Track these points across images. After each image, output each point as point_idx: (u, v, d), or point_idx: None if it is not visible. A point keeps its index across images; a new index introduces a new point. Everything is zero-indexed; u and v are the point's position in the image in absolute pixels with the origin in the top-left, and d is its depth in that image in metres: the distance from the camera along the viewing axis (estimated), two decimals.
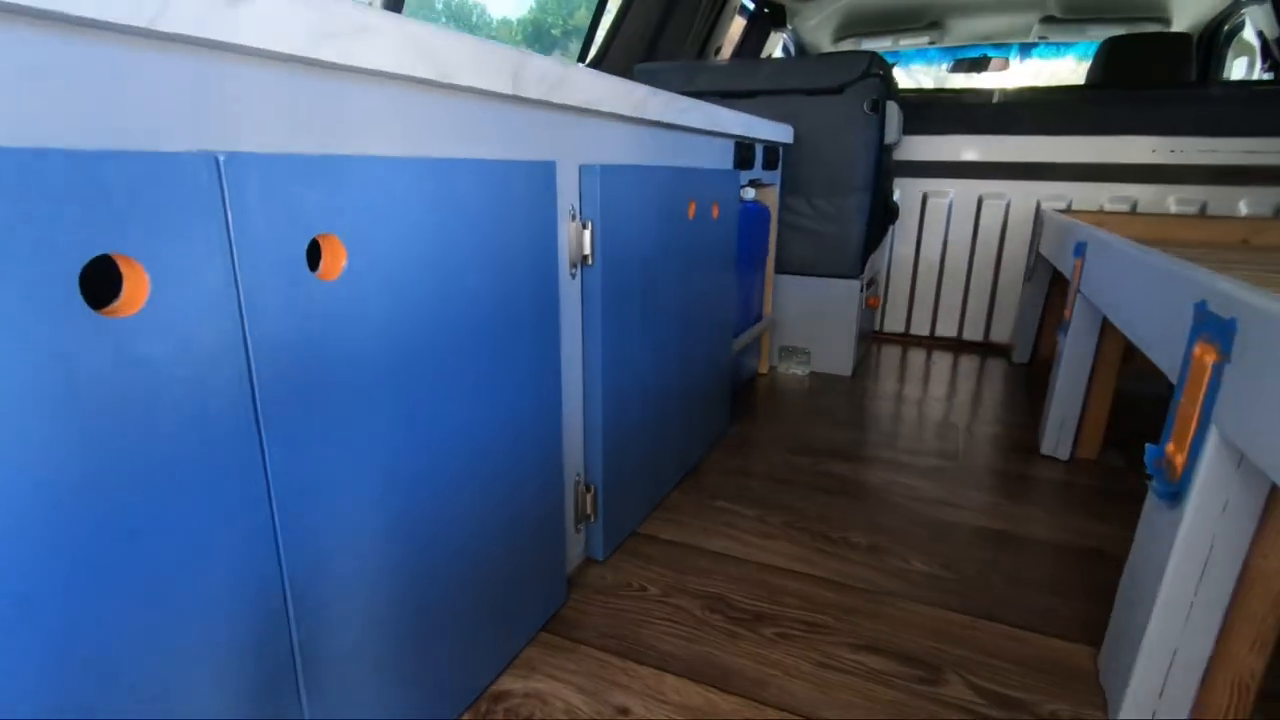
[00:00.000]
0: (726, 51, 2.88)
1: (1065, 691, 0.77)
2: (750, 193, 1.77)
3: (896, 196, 2.29)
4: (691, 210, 1.16)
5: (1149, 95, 2.04)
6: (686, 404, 1.25)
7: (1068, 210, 2.06)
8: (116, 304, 0.39)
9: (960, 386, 1.92)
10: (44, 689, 0.37)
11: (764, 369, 2.00)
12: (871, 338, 2.42)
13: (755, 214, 1.69)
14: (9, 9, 0.33)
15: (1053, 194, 2.15)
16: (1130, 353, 1.38)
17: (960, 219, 2.26)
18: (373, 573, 0.58)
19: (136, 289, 0.39)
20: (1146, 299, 0.86)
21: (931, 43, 3.99)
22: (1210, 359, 0.63)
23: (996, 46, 4.03)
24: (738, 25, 2.89)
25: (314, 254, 0.50)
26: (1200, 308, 0.67)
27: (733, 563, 1.02)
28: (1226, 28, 2.77)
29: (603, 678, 0.78)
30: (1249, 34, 2.56)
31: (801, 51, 3.30)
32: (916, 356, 2.24)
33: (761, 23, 3.01)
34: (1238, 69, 2.84)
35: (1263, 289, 0.61)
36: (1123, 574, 0.78)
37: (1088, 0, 2.69)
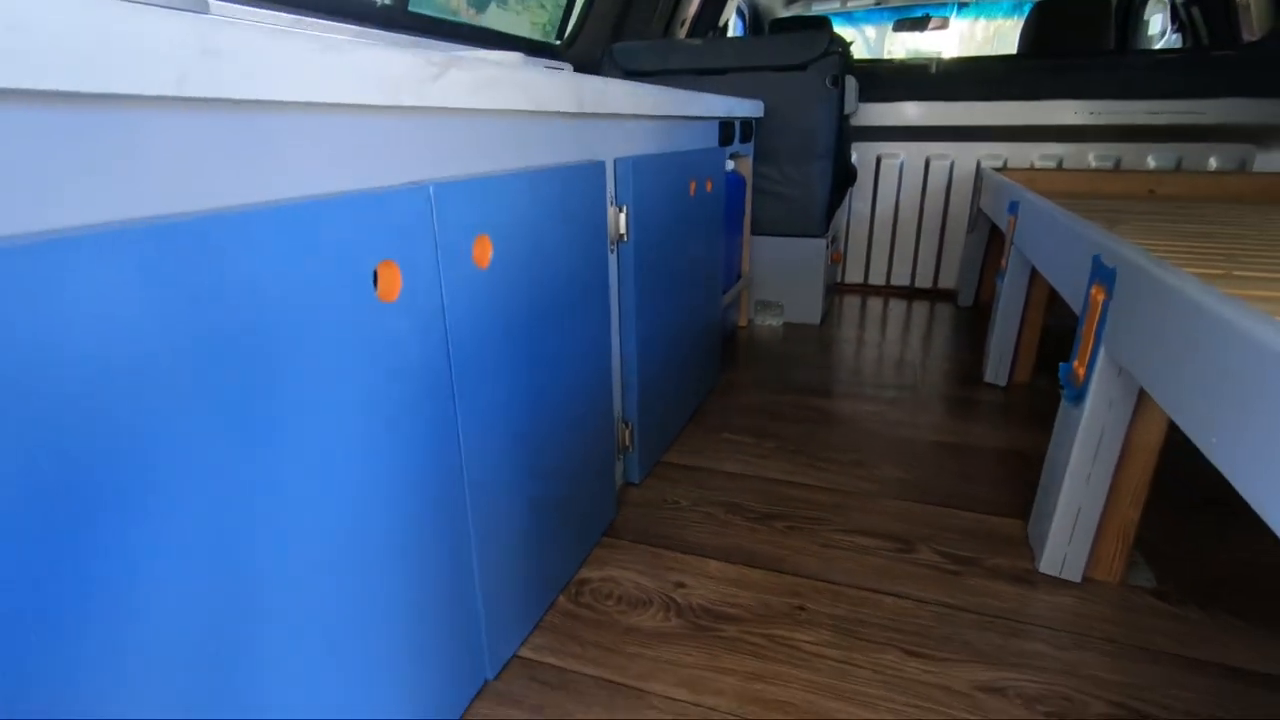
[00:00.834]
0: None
1: (1004, 551, 1.03)
2: (730, 164, 1.97)
3: (855, 160, 2.52)
4: (692, 189, 1.35)
5: (1071, 65, 2.29)
6: (692, 353, 1.46)
7: (1003, 168, 2.31)
8: (378, 292, 0.57)
9: (914, 328, 2.19)
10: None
11: (743, 322, 2.23)
12: (835, 289, 2.67)
13: (735, 184, 1.89)
14: (353, 108, 0.51)
15: (990, 153, 2.41)
16: (1053, 295, 1.64)
17: (910, 178, 2.50)
18: (507, 480, 0.79)
19: (392, 283, 0.58)
20: (1061, 252, 1.11)
21: (878, 3, 4.18)
22: (1101, 298, 0.87)
23: (936, 6, 4.25)
24: None
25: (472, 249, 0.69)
26: (1096, 259, 0.91)
27: (742, 479, 1.25)
28: None
29: (657, 564, 1.01)
30: None
31: (756, 17, 3.46)
32: (875, 304, 2.50)
33: None
34: (1154, 24, 3.12)
35: (1136, 245, 0.85)
36: (1045, 461, 1.04)
37: None
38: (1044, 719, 0.74)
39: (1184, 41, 2.61)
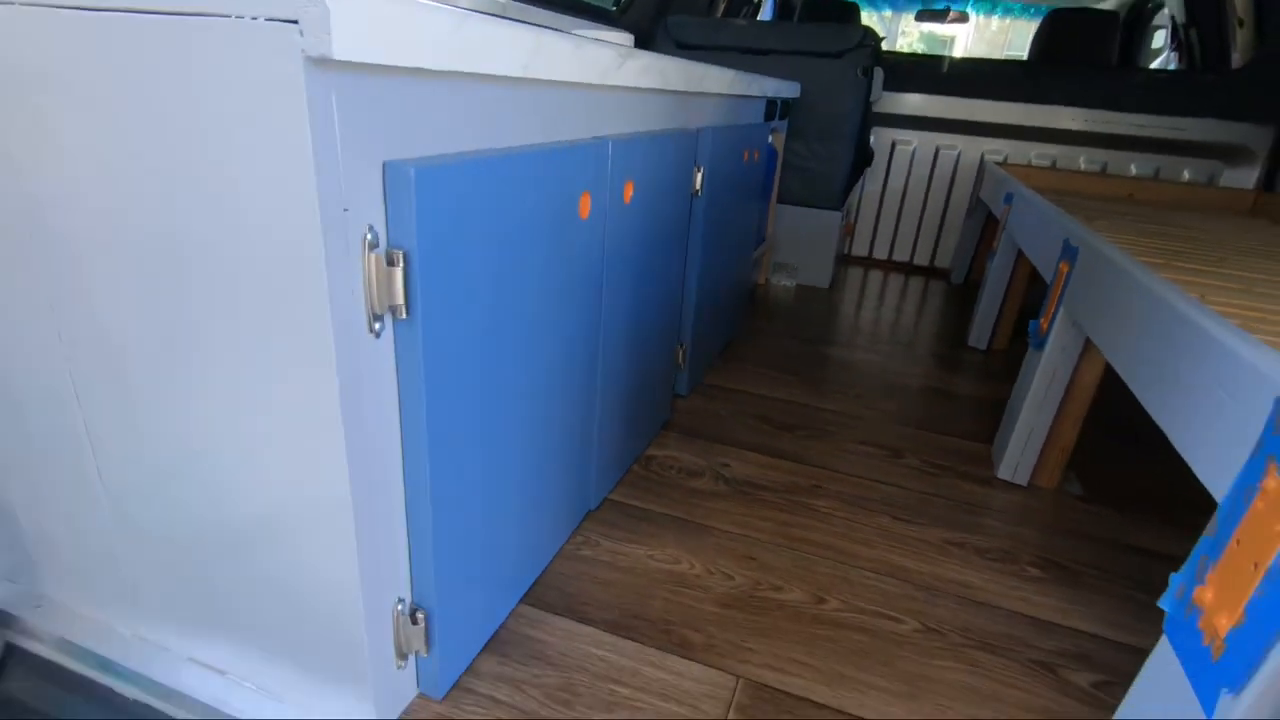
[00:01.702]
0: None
1: (972, 462, 1.34)
2: (769, 137, 2.22)
3: (873, 143, 2.77)
4: (745, 157, 1.61)
5: (1075, 75, 2.54)
6: (729, 298, 1.74)
7: (1004, 163, 2.58)
8: (580, 211, 0.84)
9: (910, 298, 2.48)
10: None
11: (762, 280, 2.50)
12: (843, 258, 2.94)
13: (769, 156, 2.14)
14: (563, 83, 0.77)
15: (993, 148, 2.67)
16: (1034, 277, 1.93)
17: (920, 164, 2.76)
18: (619, 358, 1.06)
19: (585, 206, 0.84)
20: (1041, 236, 1.39)
21: None
22: (1065, 269, 1.15)
23: (959, 0, 4.46)
24: None
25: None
26: (1065, 241, 1.20)
27: (768, 399, 1.54)
28: (1150, 5, 3.30)
29: (707, 451, 1.30)
30: (1165, 15, 3.08)
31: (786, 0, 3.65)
32: (876, 275, 2.78)
33: None
34: (1158, 39, 3.38)
35: (1096, 233, 1.14)
36: (1010, 396, 1.34)
37: None
38: (989, 561, 1.05)
39: (1181, 61, 2.87)
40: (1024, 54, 3.11)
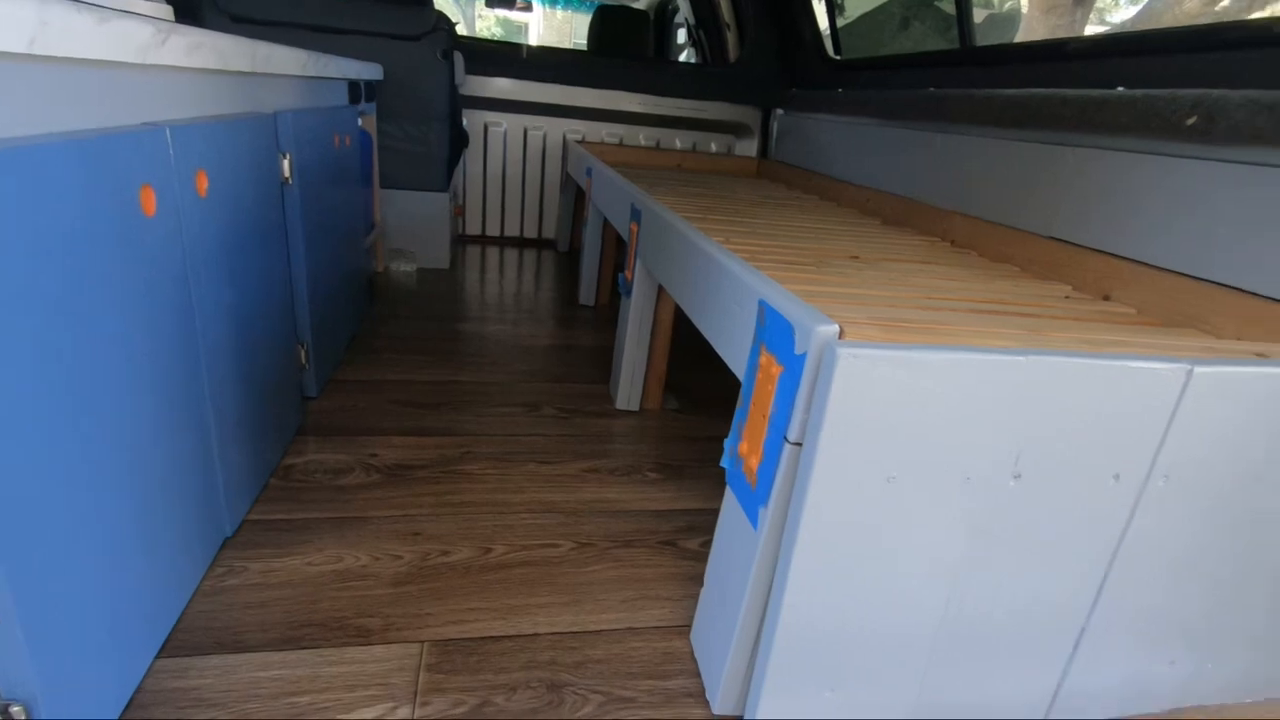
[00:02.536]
0: None
1: (596, 402, 1.55)
2: (358, 121, 2.14)
3: (466, 125, 2.87)
4: (336, 142, 1.55)
5: (625, 64, 2.98)
6: (348, 287, 1.67)
7: (582, 141, 2.93)
8: (143, 208, 0.74)
9: (526, 269, 2.68)
10: None
11: (380, 268, 2.44)
12: (460, 239, 3.01)
13: (363, 140, 2.08)
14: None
15: (573, 129, 3.00)
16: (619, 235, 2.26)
17: (513, 145, 2.96)
18: (228, 373, 0.97)
19: (149, 201, 0.75)
20: (615, 202, 1.65)
21: None
22: (635, 229, 1.40)
23: None
24: None
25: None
26: (632, 206, 1.45)
27: (407, 383, 1.55)
28: (670, 7, 4.00)
29: (351, 445, 1.26)
30: (682, 16, 3.78)
31: None
32: (494, 251, 2.93)
33: None
34: (681, 36, 4.12)
35: (651, 196, 1.40)
36: (615, 341, 1.58)
37: None
38: (618, 477, 1.25)
39: (697, 55, 3.56)
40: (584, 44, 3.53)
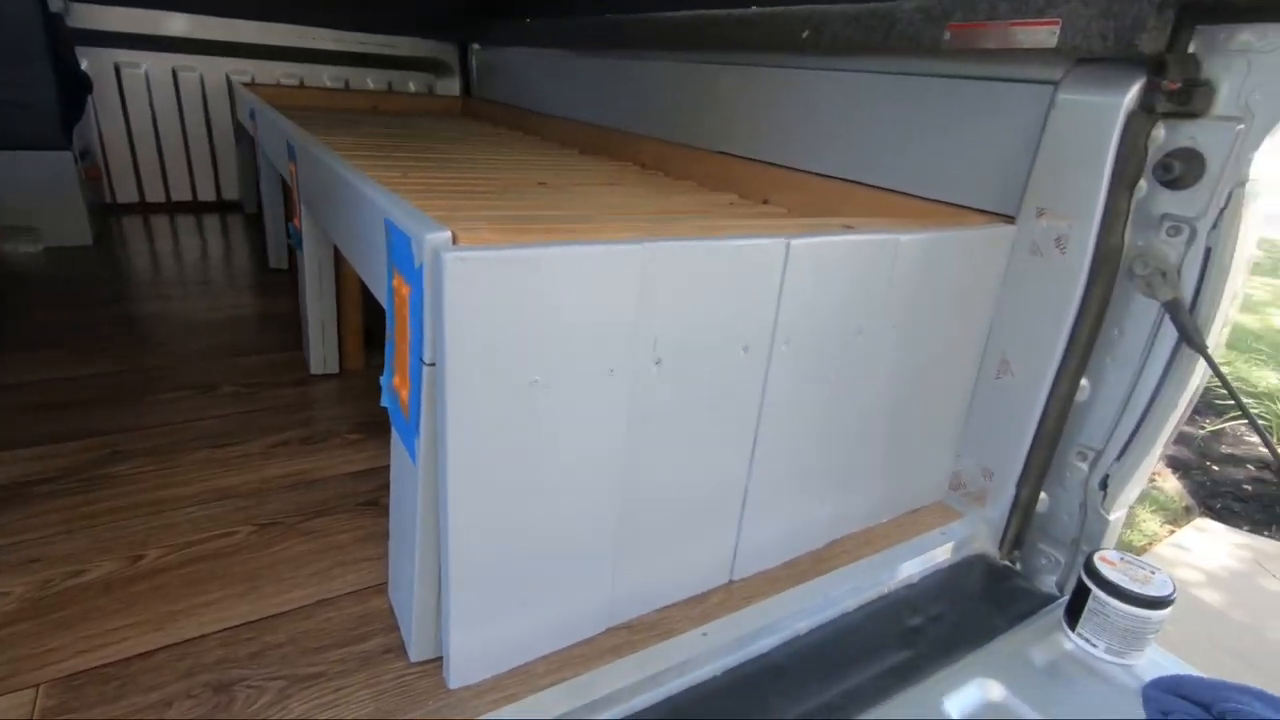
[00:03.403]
0: None
1: (289, 371, 1.38)
2: None
3: (86, 68, 2.33)
4: None
5: None
6: None
7: (251, 84, 2.54)
8: None
9: (208, 237, 2.31)
10: None
11: None
12: (108, 209, 2.48)
13: None
14: None
15: (240, 69, 2.59)
16: None
17: (162, 90, 2.48)
18: None
19: None
20: (278, 145, 1.45)
21: None
22: (293, 169, 1.24)
23: None
24: None
25: None
26: (288, 144, 1.28)
27: (37, 384, 1.24)
28: None
29: None
30: None
31: None
32: (161, 221, 2.47)
33: None
34: None
35: (306, 132, 1.24)
36: (299, 299, 1.41)
37: None
38: (313, 446, 1.13)
39: None
40: None
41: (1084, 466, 0.98)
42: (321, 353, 1.37)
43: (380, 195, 0.74)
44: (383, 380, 0.73)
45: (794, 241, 0.74)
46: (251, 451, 1.10)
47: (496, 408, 0.61)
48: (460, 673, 0.70)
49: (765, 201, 1.43)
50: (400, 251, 0.64)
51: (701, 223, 0.73)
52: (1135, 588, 0.84)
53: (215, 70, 2.55)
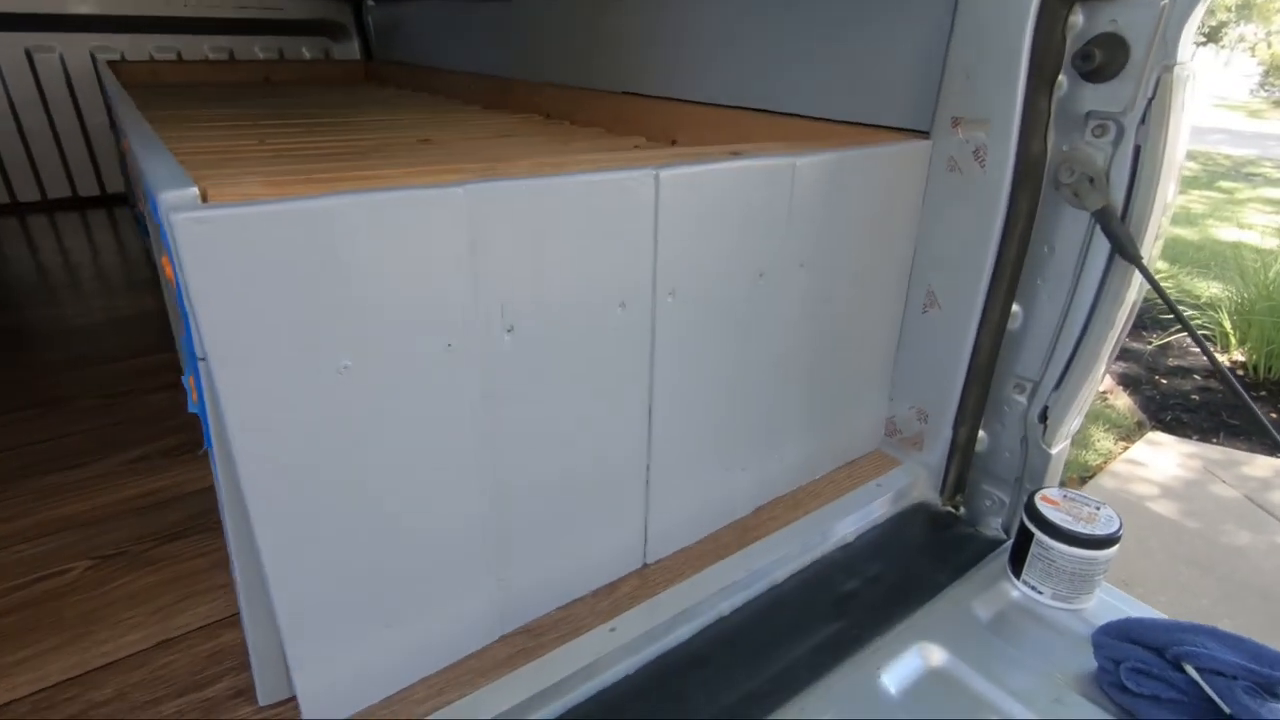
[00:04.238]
0: None
1: (162, 372, 1.24)
2: None
3: None
4: None
5: None
6: None
7: (121, 61, 2.30)
8: None
9: (93, 235, 2.10)
10: None
11: None
12: None
13: None
14: None
15: (107, 44, 2.34)
16: None
17: (16, 75, 2.23)
18: None
19: None
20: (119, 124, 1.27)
21: None
22: (125, 146, 1.08)
23: None
24: None
25: None
26: (113, 115, 1.11)
27: None
28: None
29: None
30: None
31: None
32: (39, 221, 2.24)
33: None
34: None
35: (127, 99, 1.08)
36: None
37: None
38: (173, 459, 1.00)
39: None
40: None
41: (1022, 399, 0.90)
42: None
43: (152, 155, 0.60)
44: (184, 380, 0.61)
45: (664, 173, 0.63)
46: (103, 471, 0.97)
47: (295, 405, 0.50)
48: (318, 712, 0.60)
49: (674, 142, 1.31)
50: (160, 221, 0.51)
51: (553, 160, 0.62)
52: (1079, 528, 0.77)
53: (78, 48, 2.30)
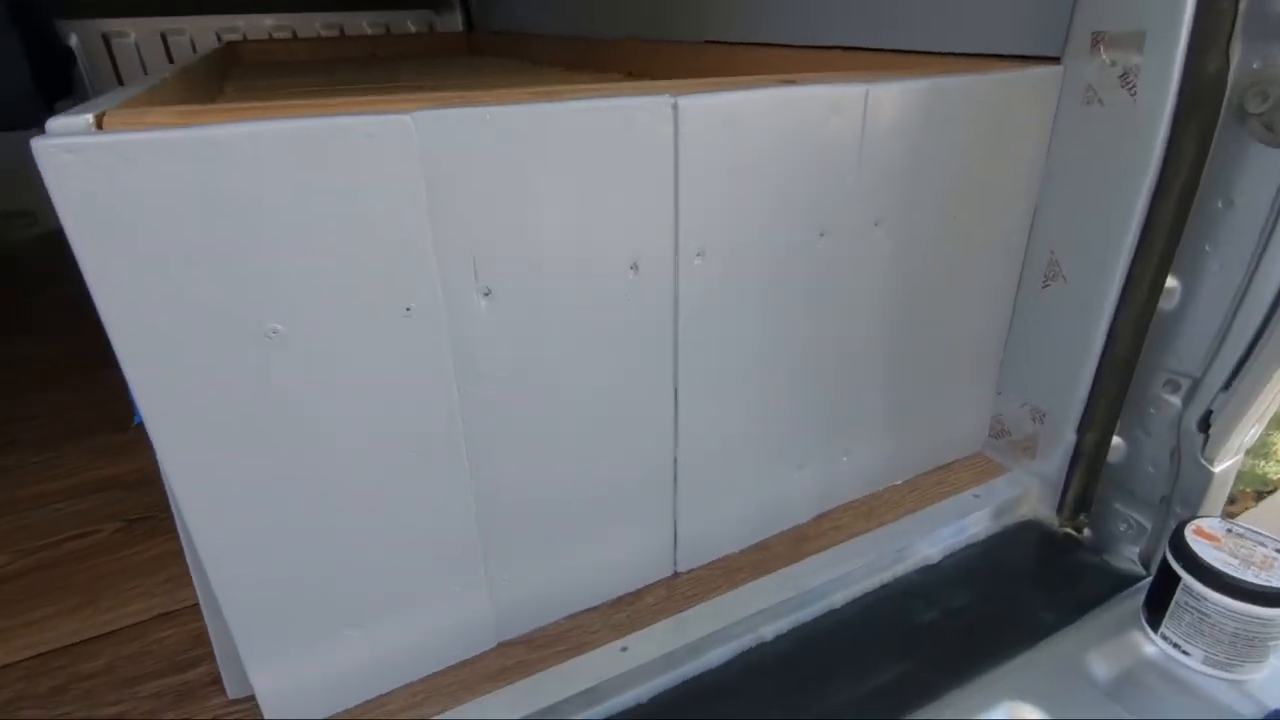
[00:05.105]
0: None
1: None
2: None
3: (75, 42, 2.26)
4: None
5: None
6: None
7: (243, 40, 2.42)
8: None
9: None
10: None
11: None
12: None
13: None
14: None
15: (227, 26, 2.47)
16: None
17: (155, 58, 2.39)
18: None
19: None
20: None
21: None
22: None
23: None
24: None
25: None
26: None
27: None
28: None
29: None
30: None
31: None
32: None
33: None
34: None
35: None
36: None
37: None
38: None
39: None
40: None
41: (1175, 400, 0.70)
42: None
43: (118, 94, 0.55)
44: None
45: (684, 102, 0.50)
46: None
47: (214, 375, 0.42)
48: (280, 713, 0.54)
49: None
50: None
51: (548, 89, 0.51)
52: (1249, 576, 0.57)
53: (204, 30, 2.44)
